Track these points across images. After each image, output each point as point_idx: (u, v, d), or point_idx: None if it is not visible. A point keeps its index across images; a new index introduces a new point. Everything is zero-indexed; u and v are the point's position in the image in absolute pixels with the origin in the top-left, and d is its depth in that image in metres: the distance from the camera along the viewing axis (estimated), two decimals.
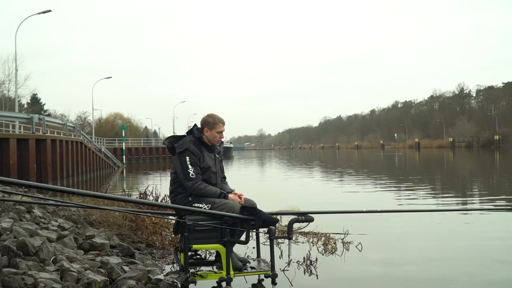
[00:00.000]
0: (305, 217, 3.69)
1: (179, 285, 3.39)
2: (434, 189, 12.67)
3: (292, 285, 3.83)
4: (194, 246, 3.42)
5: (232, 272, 3.42)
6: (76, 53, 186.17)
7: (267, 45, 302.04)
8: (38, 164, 17.06)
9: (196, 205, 3.58)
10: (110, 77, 41.41)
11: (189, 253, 3.54)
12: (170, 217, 4.40)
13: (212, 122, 3.79)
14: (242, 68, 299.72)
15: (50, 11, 25.40)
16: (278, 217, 3.77)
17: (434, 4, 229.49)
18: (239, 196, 3.75)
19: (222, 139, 4.00)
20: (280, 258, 4.62)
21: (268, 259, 3.61)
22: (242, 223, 3.46)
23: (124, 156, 37.16)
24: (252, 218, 3.44)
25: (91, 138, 32.91)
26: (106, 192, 8.58)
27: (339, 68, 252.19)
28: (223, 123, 3.83)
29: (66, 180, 19.11)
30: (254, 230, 3.58)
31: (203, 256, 4.30)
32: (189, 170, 3.62)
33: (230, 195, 3.72)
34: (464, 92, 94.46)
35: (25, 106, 52.46)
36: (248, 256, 3.97)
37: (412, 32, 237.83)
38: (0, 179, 2.46)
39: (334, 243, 5.24)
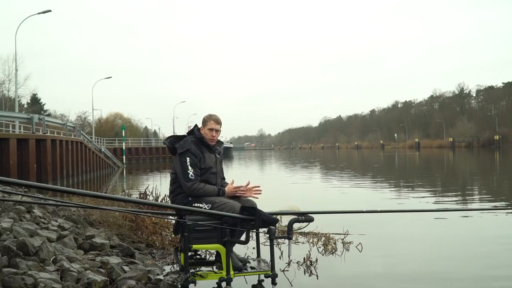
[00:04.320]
0: (305, 217, 3.69)
1: (179, 285, 3.39)
2: (434, 189, 12.67)
3: (292, 285, 3.83)
4: (194, 246, 3.42)
5: (232, 272, 3.42)
6: (76, 53, 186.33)
7: (267, 44, 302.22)
8: (38, 164, 17.05)
9: (196, 205, 3.58)
10: (110, 77, 41.43)
11: (189, 253, 3.54)
12: (170, 217, 4.40)
13: (205, 119, 3.84)
14: (242, 68, 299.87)
15: (50, 11, 25.40)
16: (278, 217, 3.77)
17: (435, 3, 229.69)
18: (235, 188, 3.76)
19: (221, 139, 4.00)
20: (280, 258, 4.62)
21: (268, 259, 3.60)
22: (242, 223, 3.46)
23: (124, 156, 37.16)
24: (252, 218, 3.44)
25: (91, 138, 32.90)
26: (106, 192, 8.58)
27: (339, 68, 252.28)
28: (217, 121, 3.82)
29: (66, 180, 19.10)
30: (254, 230, 3.59)
31: (203, 256, 4.30)
32: (188, 171, 3.61)
33: (226, 188, 3.73)
34: (464, 92, 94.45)
35: (25, 106, 52.41)
36: (248, 256, 3.97)
37: (413, 31, 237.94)
38: (0, 179, 2.46)
39: (334, 243, 5.24)
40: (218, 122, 3.83)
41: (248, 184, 3.86)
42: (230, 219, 3.42)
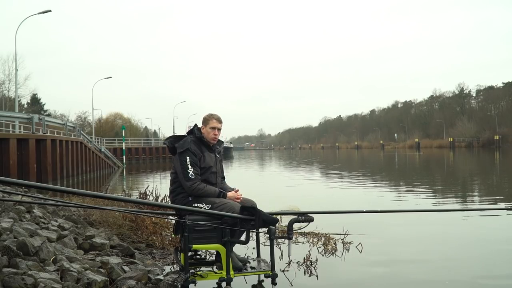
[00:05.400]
0: (305, 217, 3.69)
1: (179, 285, 3.39)
2: (435, 189, 12.66)
3: (292, 285, 3.83)
4: (194, 246, 3.42)
5: (232, 272, 3.42)
6: (76, 52, 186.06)
7: (267, 44, 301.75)
8: (38, 164, 17.05)
9: (196, 205, 3.58)
10: (110, 77, 41.42)
11: (189, 253, 3.54)
12: (170, 217, 4.40)
13: (206, 118, 3.84)
14: (242, 68, 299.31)
15: (50, 11, 25.39)
16: (278, 217, 3.77)
17: (435, 3, 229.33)
18: (239, 197, 3.74)
19: (221, 139, 4.01)
20: (280, 258, 4.62)
21: (268, 259, 3.61)
22: (242, 223, 3.46)
23: (124, 156, 37.16)
24: (252, 218, 3.44)
25: (91, 138, 32.89)
26: (106, 192, 8.58)
27: (339, 67, 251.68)
28: (218, 120, 3.83)
29: (66, 180, 19.10)
30: (254, 230, 3.58)
31: (203, 256, 4.30)
32: (188, 171, 3.62)
33: (228, 193, 3.72)
34: (464, 92, 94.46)
35: (25, 106, 52.39)
36: (248, 256, 3.97)
37: (413, 31, 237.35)
38: (0, 179, 2.46)
39: (334, 244, 5.24)
40: (219, 120, 3.85)
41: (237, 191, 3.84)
42: (230, 219, 3.42)
